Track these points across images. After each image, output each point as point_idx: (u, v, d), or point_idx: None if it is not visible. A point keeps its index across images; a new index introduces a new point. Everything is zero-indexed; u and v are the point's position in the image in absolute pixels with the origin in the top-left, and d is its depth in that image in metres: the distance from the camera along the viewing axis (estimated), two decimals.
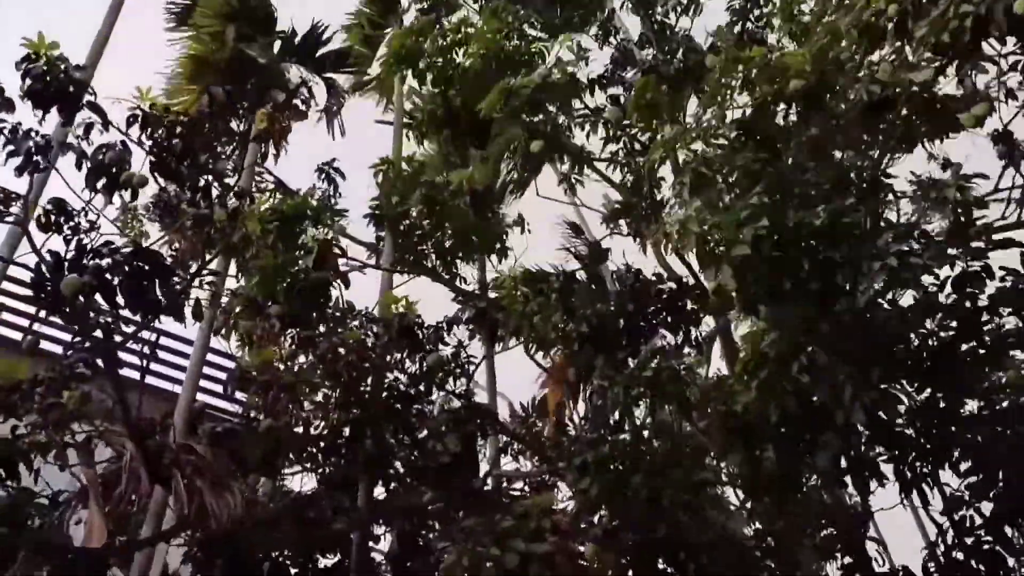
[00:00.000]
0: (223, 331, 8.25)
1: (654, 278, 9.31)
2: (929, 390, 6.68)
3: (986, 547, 7.37)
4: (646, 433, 8.11)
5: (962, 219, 7.02)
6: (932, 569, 7.57)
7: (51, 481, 6.59)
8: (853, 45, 8.61)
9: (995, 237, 6.57)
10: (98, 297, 5.74)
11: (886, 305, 6.46)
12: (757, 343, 7.40)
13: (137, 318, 6.41)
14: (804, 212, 6.75)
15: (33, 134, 5.83)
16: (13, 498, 5.71)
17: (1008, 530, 7.48)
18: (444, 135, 10.45)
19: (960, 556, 7.16)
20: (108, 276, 5.58)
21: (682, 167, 7.80)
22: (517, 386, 12.62)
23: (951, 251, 6.07)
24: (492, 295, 9.10)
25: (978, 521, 7.23)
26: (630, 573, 7.07)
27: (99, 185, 6.34)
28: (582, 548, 6.28)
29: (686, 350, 9.49)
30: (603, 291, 10.16)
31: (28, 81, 5.70)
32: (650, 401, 8.40)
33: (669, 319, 9.22)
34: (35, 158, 5.79)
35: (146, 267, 5.56)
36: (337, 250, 8.34)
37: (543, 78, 8.91)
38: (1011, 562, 7.63)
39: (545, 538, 5.72)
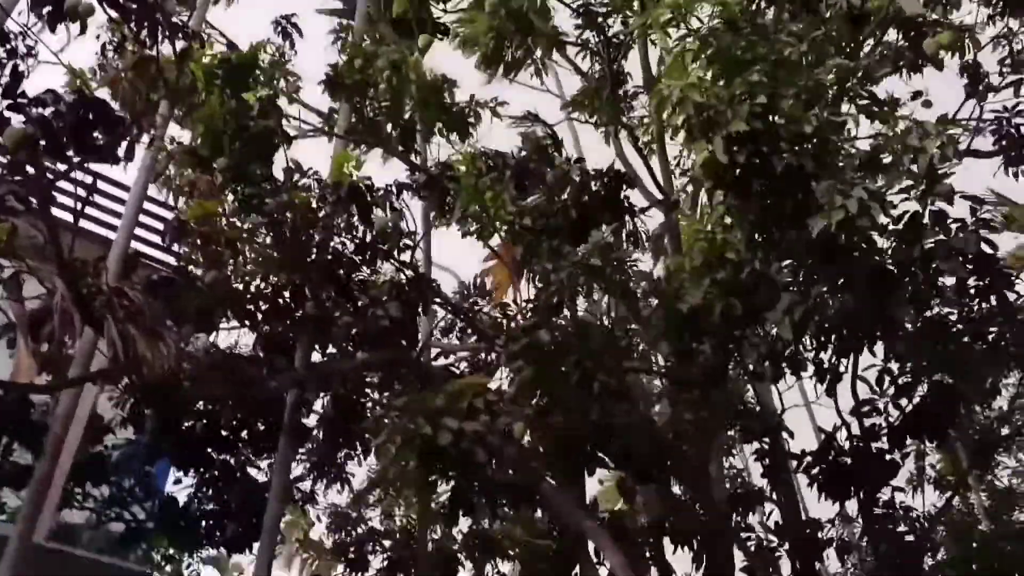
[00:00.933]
0: (162, 180, 8.00)
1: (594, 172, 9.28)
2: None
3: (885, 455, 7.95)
4: (583, 319, 8.26)
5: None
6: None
7: None
8: None
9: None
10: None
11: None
12: (715, 243, 7.48)
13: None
14: (795, 110, 6.70)
15: None
16: None
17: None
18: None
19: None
20: (52, 124, 5.28)
21: (676, 42, 7.58)
22: (458, 265, 12.67)
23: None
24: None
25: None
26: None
27: (43, 11, 5.93)
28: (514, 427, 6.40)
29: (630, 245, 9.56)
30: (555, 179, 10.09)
31: None
32: (590, 289, 8.49)
33: (608, 211, 9.22)
34: None
35: (90, 115, 5.28)
36: (280, 111, 8.02)
37: None
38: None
39: (477, 417, 5.85)
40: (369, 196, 7.42)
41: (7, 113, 5.73)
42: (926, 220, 6.37)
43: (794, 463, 8.61)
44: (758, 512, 9.40)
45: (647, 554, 9.24)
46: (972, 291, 6.52)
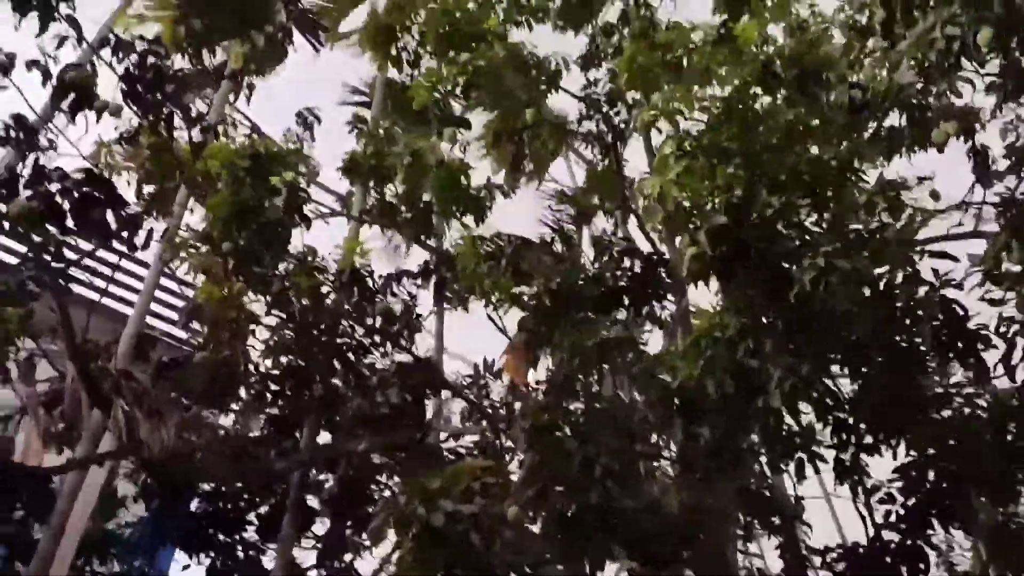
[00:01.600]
0: (176, 263, 8.24)
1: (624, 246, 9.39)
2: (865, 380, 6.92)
3: (908, 543, 7.76)
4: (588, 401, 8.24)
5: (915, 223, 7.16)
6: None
7: None
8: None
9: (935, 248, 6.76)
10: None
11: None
12: (709, 322, 7.55)
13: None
14: (769, 196, 6.87)
15: None
16: None
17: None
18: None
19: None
20: (57, 200, 5.53)
21: (664, 140, 7.83)
22: (479, 350, 12.78)
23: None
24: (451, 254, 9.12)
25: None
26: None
27: (64, 104, 6.26)
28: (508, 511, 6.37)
29: (647, 325, 9.60)
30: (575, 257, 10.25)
31: None
32: (598, 370, 8.51)
33: (640, 291, 9.28)
34: None
35: (97, 194, 5.52)
36: (304, 195, 8.28)
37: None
38: (932, 558, 8.01)
39: (473, 499, 5.84)
40: (371, 282, 7.59)
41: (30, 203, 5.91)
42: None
43: (816, 558, 8.44)
44: None
45: None
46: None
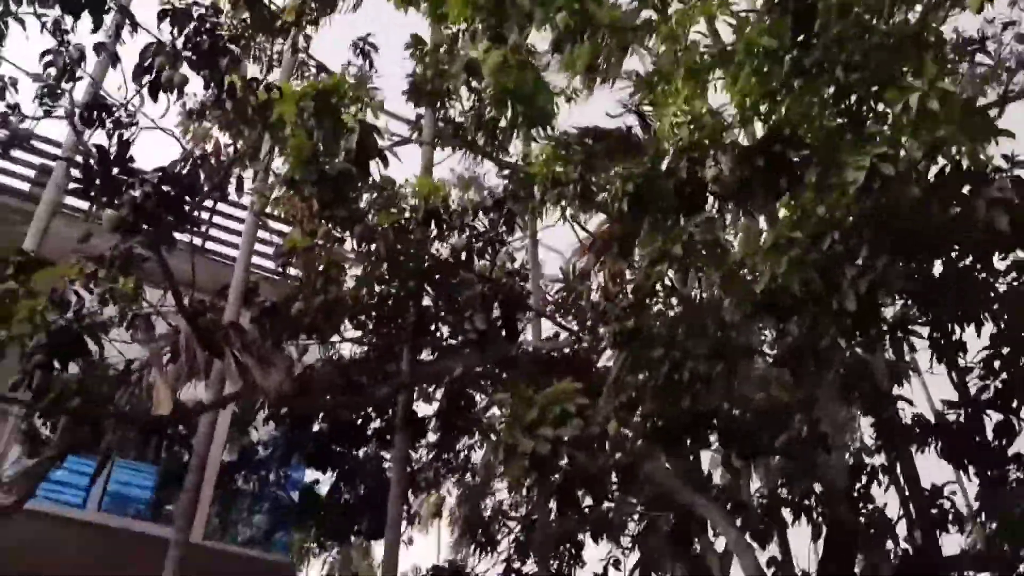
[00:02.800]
0: (267, 209, 8.65)
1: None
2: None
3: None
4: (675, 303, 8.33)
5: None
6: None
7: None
8: None
9: None
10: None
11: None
12: (787, 224, 7.44)
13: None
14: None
15: (69, 46, 6.06)
16: (83, 373, 6.37)
17: None
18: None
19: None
20: (143, 205, 5.89)
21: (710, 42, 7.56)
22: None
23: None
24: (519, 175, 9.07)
25: None
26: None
27: (143, 83, 6.53)
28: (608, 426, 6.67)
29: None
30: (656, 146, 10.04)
31: None
32: (683, 272, 8.53)
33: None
34: (71, 67, 6.05)
35: (173, 190, 5.90)
36: (375, 130, 8.41)
37: None
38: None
39: (570, 422, 6.15)
40: (446, 217, 7.79)
41: (121, 177, 6.31)
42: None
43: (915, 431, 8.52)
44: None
45: (765, 527, 9.33)
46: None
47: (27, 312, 6.20)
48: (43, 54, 6.04)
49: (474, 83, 9.97)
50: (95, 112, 6.31)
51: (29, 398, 6.64)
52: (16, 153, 10.40)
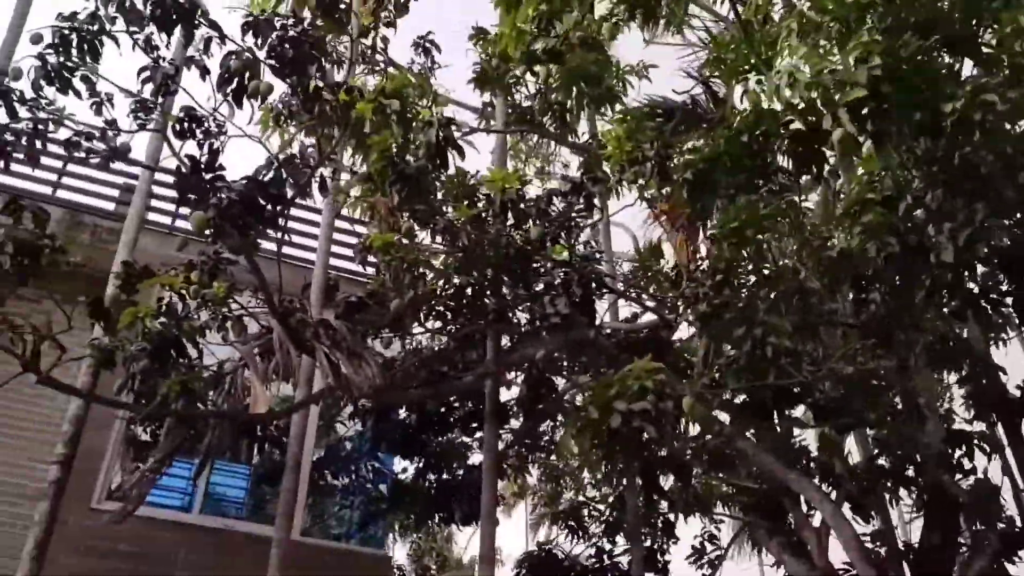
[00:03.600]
0: (347, 207, 8.85)
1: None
2: None
3: None
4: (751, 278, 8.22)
5: None
6: None
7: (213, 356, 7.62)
8: None
9: None
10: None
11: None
12: (863, 187, 7.26)
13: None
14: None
15: (163, 61, 6.31)
16: (184, 375, 6.65)
17: None
18: None
19: None
20: (229, 209, 6.12)
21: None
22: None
23: None
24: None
25: None
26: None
27: (228, 91, 6.74)
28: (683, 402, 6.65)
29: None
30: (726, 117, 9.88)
31: (150, 7, 6.12)
32: (758, 244, 8.41)
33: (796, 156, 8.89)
34: (167, 81, 6.30)
35: (258, 194, 6.13)
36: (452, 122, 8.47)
37: None
38: None
39: (646, 396, 6.16)
40: (522, 206, 7.83)
41: (215, 185, 6.53)
42: None
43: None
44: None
45: (864, 499, 9.18)
46: None
47: (129, 319, 6.51)
48: (140, 71, 6.29)
49: (538, 68, 10.04)
50: (188, 124, 6.54)
51: (131, 402, 6.98)
52: (98, 172, 10.90)
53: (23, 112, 5.80)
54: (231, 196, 5.86)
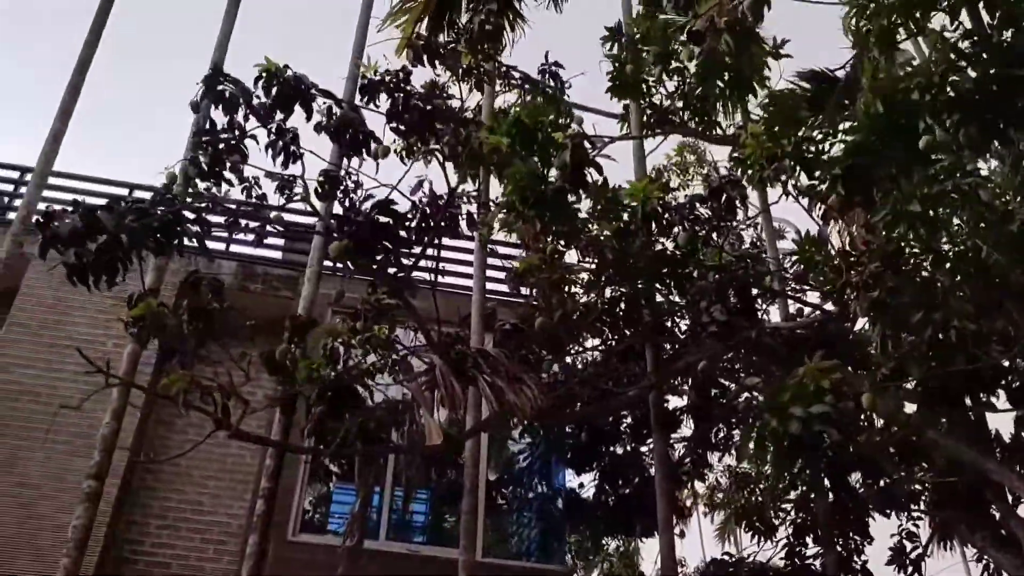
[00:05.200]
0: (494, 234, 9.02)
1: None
2: None
3: None
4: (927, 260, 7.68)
5: None
6: None
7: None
8: None
9: None
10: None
11: None
12: None
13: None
14: None
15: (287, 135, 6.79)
16: (368, 417, 7.04)
17: None
18: None
19: None
20: (360, 234, 6.47)
21: None
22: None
23: None
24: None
25: None
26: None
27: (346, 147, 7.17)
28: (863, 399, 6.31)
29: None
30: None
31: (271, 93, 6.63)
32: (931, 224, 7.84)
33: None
34: (291, 149, 6.76)
35: (384, 220, 6.45)
36: (586, 142, 8.45)
37: None
38: None
39: (823, 398, 5.89)
40: (667, 215, 7.70)
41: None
42: None
43: None
44: None
45: None
46: None
47: (306, 370, 6.96)
48: (267, 147, 6.79)
49: (674, 63, 9.87)
50: (327, 186, 6.95)
51: (314, 444, 7.47)
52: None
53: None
54: (359, 220, 6.19)
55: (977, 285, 7.24)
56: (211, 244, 11.83)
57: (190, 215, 6.20)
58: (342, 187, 6.88)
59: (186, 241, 6.27)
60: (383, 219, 6.59)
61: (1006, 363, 7.42)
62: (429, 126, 6.82)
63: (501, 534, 11.71)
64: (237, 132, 6.59)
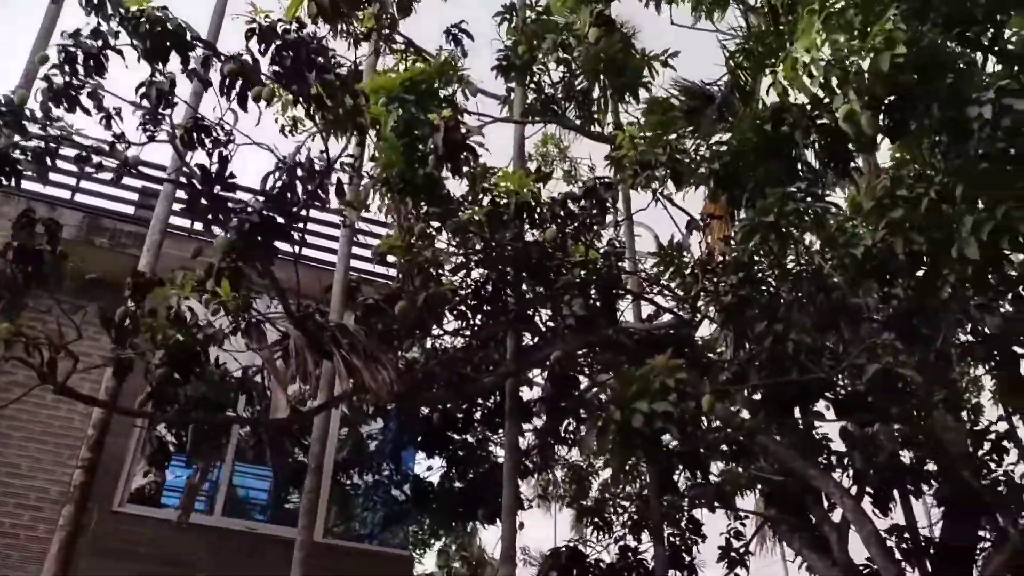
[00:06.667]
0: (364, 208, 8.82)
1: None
2: None
3: None
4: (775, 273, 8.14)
5: None
6: None
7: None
8: None
9: None
10: None
11: None
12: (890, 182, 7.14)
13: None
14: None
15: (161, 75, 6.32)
16: (208, 384, 6.70)
17: None
18: None
19: None
20: (250, 232, 6.16)
21: None
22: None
23: None
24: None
25: None
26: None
27: (232, 98, 6.76)
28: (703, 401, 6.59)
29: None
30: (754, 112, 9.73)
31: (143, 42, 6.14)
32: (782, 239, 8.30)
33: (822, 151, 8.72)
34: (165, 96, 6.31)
35: (277, 212, 6.16)
36: (464, 121, 8.38)
37: None
38: None
39: (667, 397, 6.11)
40: (538, 209, 7.78)
41: (223, 194, 6.58)
42: None
43: None
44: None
45: (885, 494, 9.10)
46: None
47: (147, 330, 6.55)
48: (138, 87, 6.29)
49: (563, 53, 9.97)
50: (195, 134, 6.55)
51: (151, 410, 7.05)
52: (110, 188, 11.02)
53: (34, 129, 5.83)
54: (251, 220, 5.88)
55: (816, 302, 7.74)
56: (55, 192, 11.12)
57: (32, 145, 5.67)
58: (212, 137, 6.48)
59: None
60: (276, 217, 6.22)
61: (835, 378, 7.93)
62: (304, 75, 6.51)
63: (345, 515, 11.53)
64: (100, 43, 6.04)
